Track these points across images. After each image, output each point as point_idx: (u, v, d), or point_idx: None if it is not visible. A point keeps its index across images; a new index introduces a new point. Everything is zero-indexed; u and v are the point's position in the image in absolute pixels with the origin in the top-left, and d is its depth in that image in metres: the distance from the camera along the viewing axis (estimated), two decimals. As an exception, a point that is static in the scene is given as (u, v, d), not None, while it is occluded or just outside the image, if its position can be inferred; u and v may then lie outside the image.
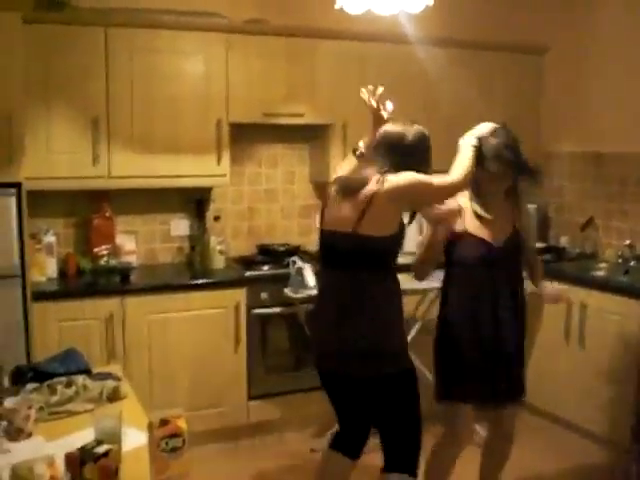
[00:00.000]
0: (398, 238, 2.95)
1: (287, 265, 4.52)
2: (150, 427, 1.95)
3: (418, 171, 2.90)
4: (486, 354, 3.26)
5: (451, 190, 3.04)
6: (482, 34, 5.34)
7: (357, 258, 2.91)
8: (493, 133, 3.24)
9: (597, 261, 5.02)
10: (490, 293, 3.25)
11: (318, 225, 3.13)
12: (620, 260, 4.81)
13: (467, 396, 3.32)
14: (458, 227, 3.27)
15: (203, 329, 4.38)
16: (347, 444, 3.24)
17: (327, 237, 3.02)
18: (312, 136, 5.20)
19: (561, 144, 5.55)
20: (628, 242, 4.82)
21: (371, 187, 2.85)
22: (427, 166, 3.01)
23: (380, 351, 2.90)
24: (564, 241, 5.38)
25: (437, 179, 2.96)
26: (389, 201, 2.83)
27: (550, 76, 5.60)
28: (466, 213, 3.29)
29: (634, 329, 4.10)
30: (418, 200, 3.03)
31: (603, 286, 4.38)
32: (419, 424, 3.03)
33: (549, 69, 5.60)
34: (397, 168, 2.90)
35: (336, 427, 3.30)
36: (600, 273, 4.69)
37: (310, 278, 4.31)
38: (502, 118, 5.27)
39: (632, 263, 4.72)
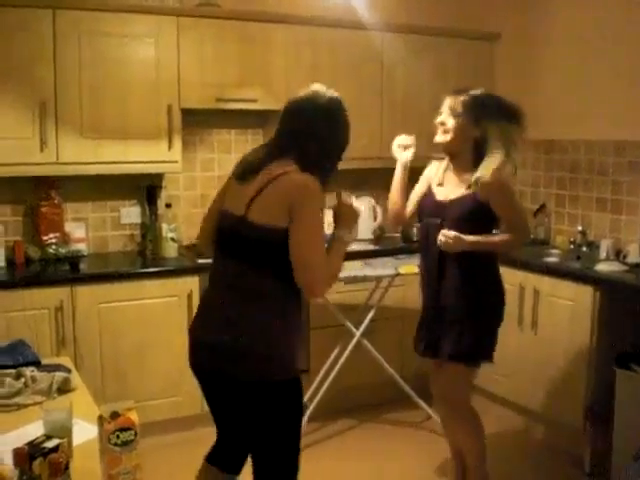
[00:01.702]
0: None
1: (240, 252, 4.47)
2: (100, 420, 1.90)
3: (325, 166, 2.64)
4: (427, 308, 3.47)
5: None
6: (435, 20, 5.36)
7: (244, 247, 2.58)
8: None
9: (549, 247, 5.07)
10: (437, 249, 3.29)
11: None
12: (572, 246, 4.86)
13: (415, 346, 3.54)
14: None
15: (155, 318, 4.32)
16: (224, 457, 2.92)
17: (219, 218, 2.72)
18: (266, 122, 5.14)
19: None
20: (580, 228, 4.88)
21: (276, 170, 2.54)
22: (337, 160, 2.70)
23: (268, 354, 2.54)
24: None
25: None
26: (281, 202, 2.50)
27: (502, 63, 5.62)
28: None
29: (586, 314, 4.13)
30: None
31: (555, 272, 4.40)
32: (298, 440, 2.71)
33: (501, 56, 5.63)
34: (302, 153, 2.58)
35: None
36: (552, 259, 4.72)
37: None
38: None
39: (584, 249, 4.77)
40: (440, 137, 3.32)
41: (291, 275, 2.51)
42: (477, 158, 3.24)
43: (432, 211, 3.38)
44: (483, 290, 3.36)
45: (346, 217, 2.72)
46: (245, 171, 2.65)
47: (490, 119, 3.17)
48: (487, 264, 3.40)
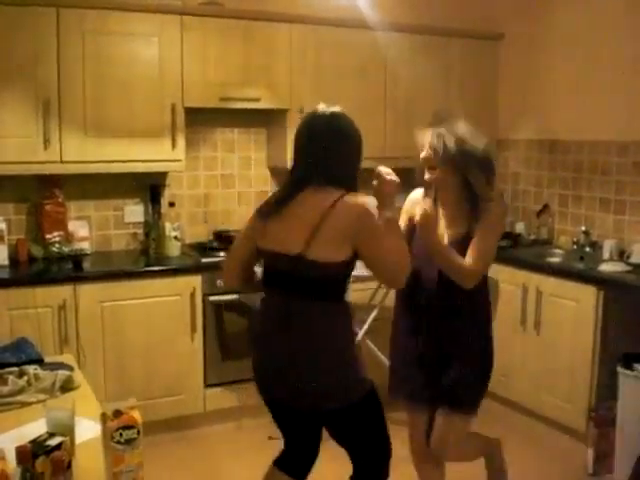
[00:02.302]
0: (351, 263, 2.61)
1: (244, 251, 4.47)
2: (103, 418, 1.90)
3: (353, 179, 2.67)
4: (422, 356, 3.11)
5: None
6: (439, 20, 5.35)
7: (305, 285, 2.58)
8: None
9: (552, 247, 5.07)
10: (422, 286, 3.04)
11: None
12: (575, 246, 4.86)
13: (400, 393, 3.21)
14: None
15: (158, 317, 4.32)
16: (294, 465, 2.96)
17: (268, 261, 2.71)
18: (269, 121, 5.16)
19: (517, 131, 5.58)
20: (583, 228, 4.87)
21: (324, 203, 2.53)
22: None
23: (341, 385, 2.62)
24: (520, 228, 5.42)
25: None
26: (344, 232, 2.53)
27: (506, 63, 5.62)
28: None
29: (589, 314, 4.13)
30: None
31: (558, 272, 4.41)
32: (387, 437, 2.80)
33: (505, 56, 5.63)
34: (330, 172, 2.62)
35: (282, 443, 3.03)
36: (555, 259, 4.73)
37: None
38: (459, 105, 5.34)
39: (587, 249, 4.77)
40: (428, 175, 3.00)
41: (344, 294, 2.64)
42: (468, 193, 2.96)
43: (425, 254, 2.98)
44: (485, 333, 3.12)
45: (389, 193, 2.68)
46: (277, 207, 2.63)
47: (471, 172, 2.94)
48: (484, 305, 3.13)
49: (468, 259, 2.89)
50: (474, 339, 3.04)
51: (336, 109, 2.69)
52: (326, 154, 2.62)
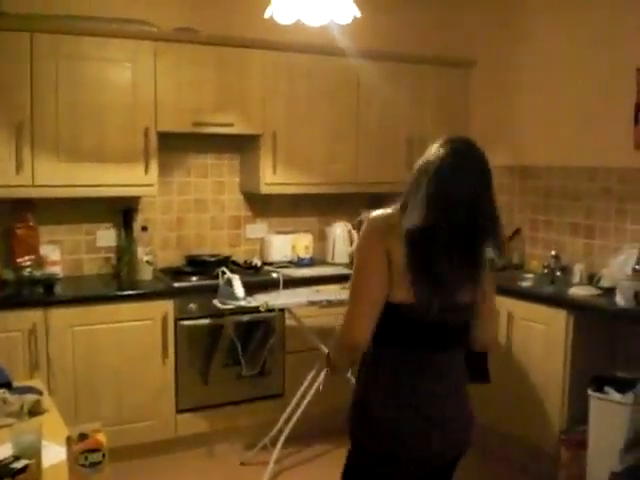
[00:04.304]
0: None
1: (216, 276, 4.47)
2: (69, 442, 1.89)
3: None
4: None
5: None
6: (411, 47, 5.40)
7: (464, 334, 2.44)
8: None
9: (524, 271, 5.11)
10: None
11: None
12: (546, 270, 4.89)
13: None
14: None
15: (130, 341, 4.30)
16: None
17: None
18: (242, 146, 5.18)
19: (488, 157, 5.61)
20: (553, 253, 4.91)
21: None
22: None
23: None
24: (491, 252, 5.43)
25: None
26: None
27: (478, 90, 5.68)
28: None
29: (559, 338, 4.16)
30: None
31: (529, 296, 4.44)
32: None
33: (477, 83, 5.69)
34: None
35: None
36: (526, 283, 4.77)
37: (239, 289, 4.27)
38: (431, 131, 5.39)
39: (557, 273, 4.80)
40: None
41: None
42: None
43: None
44: None
45: None
46: None
47: None
48: None
49: None
50: None
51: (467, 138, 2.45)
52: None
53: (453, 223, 2.23)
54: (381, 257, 2.23)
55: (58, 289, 4.31)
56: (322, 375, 2.62)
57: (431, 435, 2.36)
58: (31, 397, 2.62)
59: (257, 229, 5.39)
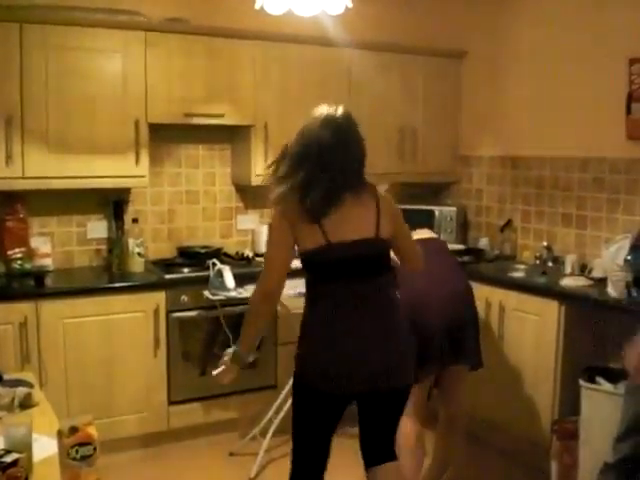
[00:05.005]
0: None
1: (208, 267, 4.46)
2: (59, 435, 1.88)
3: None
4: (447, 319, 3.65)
5: None
6: (403, 38, 5.40)
7: (379, 263, 2.87)
8: None
9: (515, 262, 5.12)
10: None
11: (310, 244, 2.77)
12: (537, 261, 4.90)
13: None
14: None
15: (121, 333, 4.29)
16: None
17: (345, 248, 2.77)
18: (233, 137, 5.16)
19: (480, 148, 5.64)
20: (545, 243, 4.92)
21: (373, 194, 2.88)
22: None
23: (410, 357, 2.93)
24: (483, 243, 5.46)
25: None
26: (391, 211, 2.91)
27: (468, 80, 5.68)
28: None
29: (551, 328, 4.17)
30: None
31: (521, 287, 4.44)
32: None
33: (467, 73, 5.69)
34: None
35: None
36: (518, 274, 4.77)
37: (230, 280, 4.26)
38: (423, 121, 5.40)
39: (549, 264, 4.81)
40: None
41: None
42: None
43: None
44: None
45: None
46: (330, 207, 2.75)
47: None
48: None
49: None
50: None
51: (342, 109, 2.84)
52: (359, 158, 2.85)
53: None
54: (284, 229, 2.76)
55: (49, 281, 4.30)
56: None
57: (349, 370, 2.75)
58: (22, 390, 2.62)
59: (249, 220, 5.37)
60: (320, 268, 2.82)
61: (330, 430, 2.93)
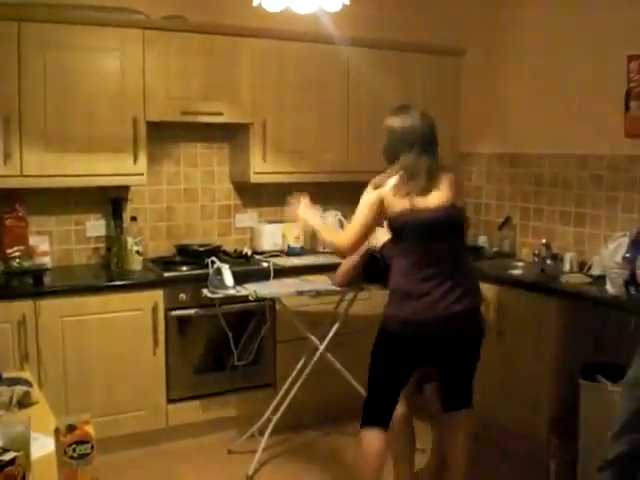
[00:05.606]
0: None
1: (207, 266, 4.46)
2: (57, 433, 1.88)
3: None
4: None
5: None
6: (401, 35, 5.39)
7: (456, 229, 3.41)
8: None
9: (514, 260, 5.12)
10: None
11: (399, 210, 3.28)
12: (536, 259, 4.90)
13: None
14: None
15: (120, 332, 4.28)
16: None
17: (428, 215, 3.26)
18: (232, 135, 5.16)
19: (479, 145, 5.64)
20: (544, 241, 4.91)
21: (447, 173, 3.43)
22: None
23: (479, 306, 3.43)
24: (482, 240, 5.46)
25: None
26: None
27: (468, 78, 5.68)
28: None
29: (550, 325, 4.17)
30: None
31: (520, 284, 4.45)
32: None
33: (467, 71, 5.69)
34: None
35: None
36: (517, 271, 4.78)
37: (228, 278, 4.25)
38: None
39: (548, 261, 4.81)
40: None
41: None
42: None
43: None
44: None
45: None
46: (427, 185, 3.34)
47: None
48: None
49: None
50: None
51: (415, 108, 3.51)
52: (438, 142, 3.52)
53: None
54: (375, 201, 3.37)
55: (47, 280, 4.29)
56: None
57: (433, 318, 3.24)
58: (20, 389, 2.61)
59: (247, 218, 5.38)
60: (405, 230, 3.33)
61: (406, 378, 3.44)
